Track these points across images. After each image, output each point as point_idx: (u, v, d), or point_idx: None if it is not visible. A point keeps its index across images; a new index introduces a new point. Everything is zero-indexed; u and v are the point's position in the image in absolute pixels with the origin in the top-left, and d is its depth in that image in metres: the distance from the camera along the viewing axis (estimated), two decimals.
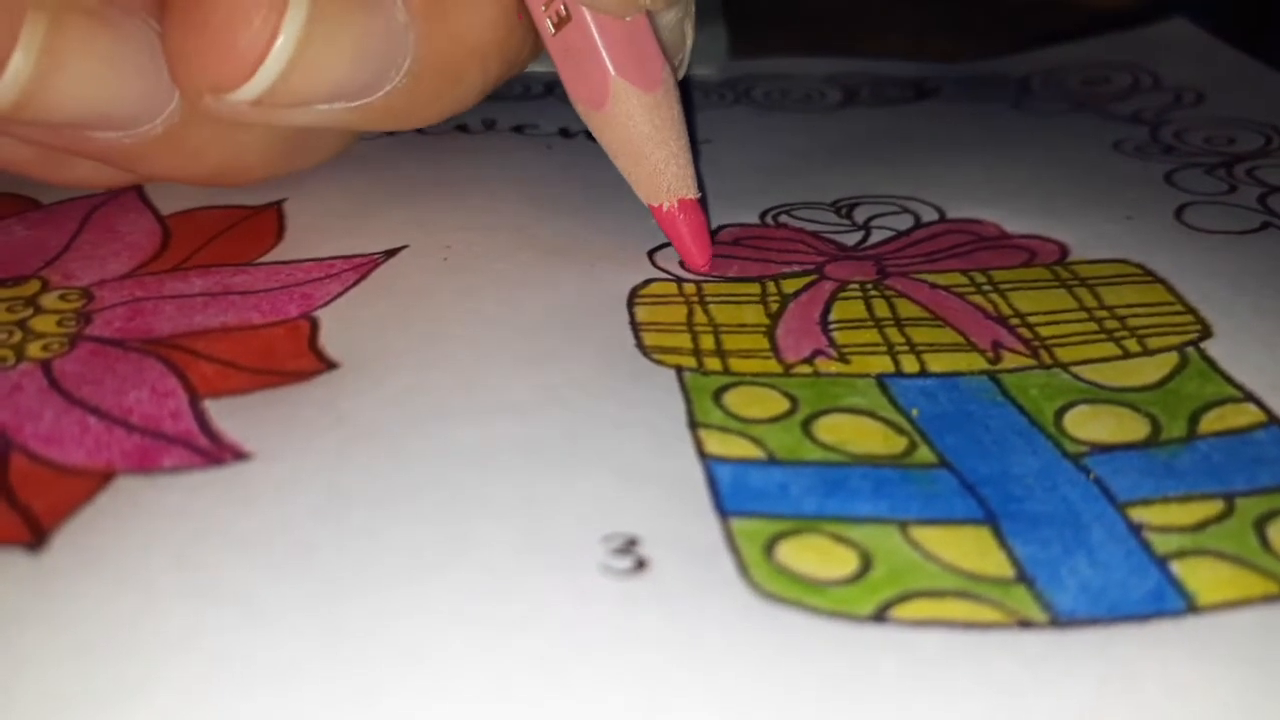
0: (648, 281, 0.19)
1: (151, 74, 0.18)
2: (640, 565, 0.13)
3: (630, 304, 0.18)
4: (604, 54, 0.18)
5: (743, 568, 0.13)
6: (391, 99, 0.18)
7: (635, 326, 0.18)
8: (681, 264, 0.20)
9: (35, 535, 0.13)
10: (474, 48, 0.19)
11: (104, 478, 0.14)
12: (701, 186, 0.20)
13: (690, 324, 0.18)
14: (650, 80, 0.18)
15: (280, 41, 0.17)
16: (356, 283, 0.19)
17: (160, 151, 0.19)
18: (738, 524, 0.14)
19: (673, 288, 0.19)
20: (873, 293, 0.19)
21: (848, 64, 0.32)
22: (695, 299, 0.19)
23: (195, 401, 0.16)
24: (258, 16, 0.16)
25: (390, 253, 0.20)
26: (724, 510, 0.14)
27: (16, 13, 0.16)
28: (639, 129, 0.19)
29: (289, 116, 0.18)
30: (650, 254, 0.20)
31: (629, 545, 0.13)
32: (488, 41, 0.19)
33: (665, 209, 0.19)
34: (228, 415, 0.16)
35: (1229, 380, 0.16)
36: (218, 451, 0.15)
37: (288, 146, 0.21)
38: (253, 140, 0.20)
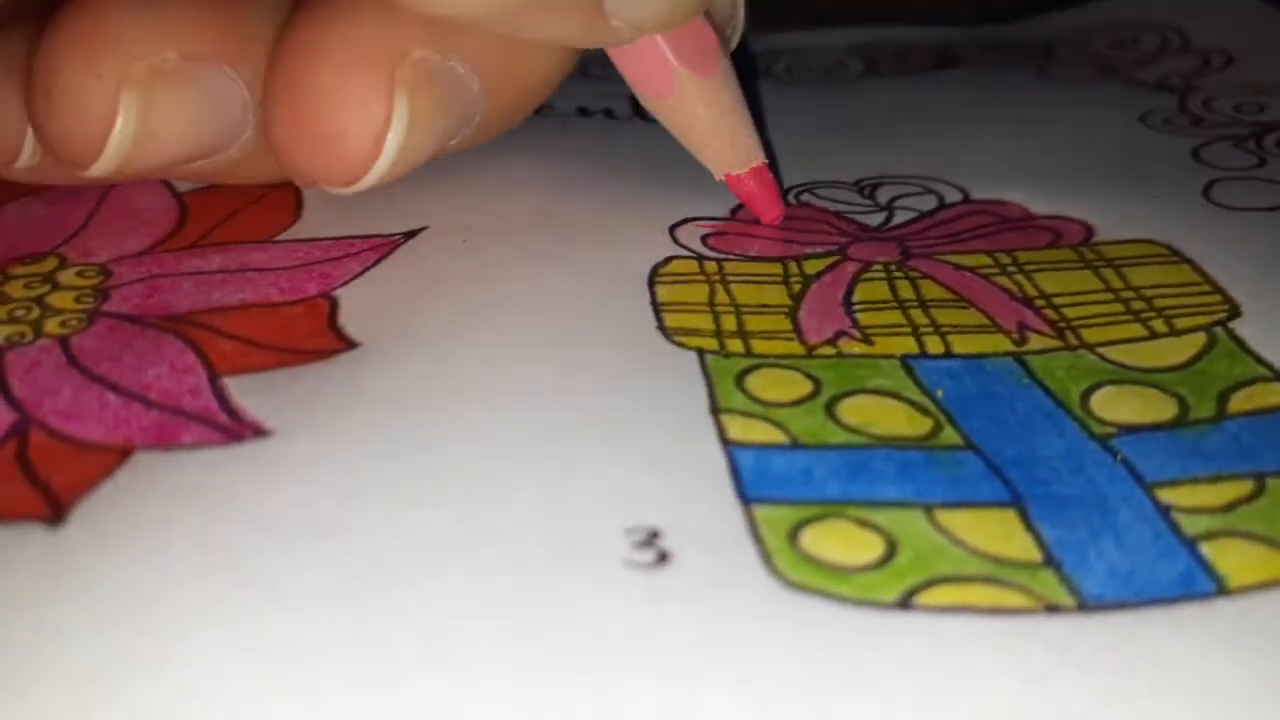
0: (668, 260, 0.19)
1: (229, 114, 0.18)
2: (663, 558, 0.13)
3: (651, 283, 0.18)
4: (663, 47, 0.19)
5: (766, 556, 0.13)
6: (460, 142, 0.20)
7: (656, 307, 0.18)
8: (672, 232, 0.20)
9: (54, 511, 0.13)
10: (534, 91, 0.20)
11: (123, 454, 0.14)
12: (769, 149, 0.20)
13: (712, 304, 0.18)
14: (709, 65, 0.19)
15: (386, 150, 0.17)
16: (376, 262, 0.19)
17: (235, 169, 0.20)
18: (760, 511, 0.14)
19: (694, 266, 0.19)
20: (896, 274, 0.19)
21: (869, 34, 0.31)
22: (717, 278, 0.18)
23: (214, 378, 0.16)
24: (364, 129, 0.17)
25: (410, 233, 0.19)
26: (746, 497, 0.14)
27: (113, 94, 0.17)
28: (704, 112, 0.20)
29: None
30: (671, 229, 0.20)
31: (651, 538, 0.13)
32: (547, 78, 0.20)
33: (736, 178, 0.20)
34: (247, 393, 0.15)
35: (1258, 360, 0.16)
36: (238, 428, 0.15)
37: None
38: None
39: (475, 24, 0.17)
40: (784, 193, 0.22)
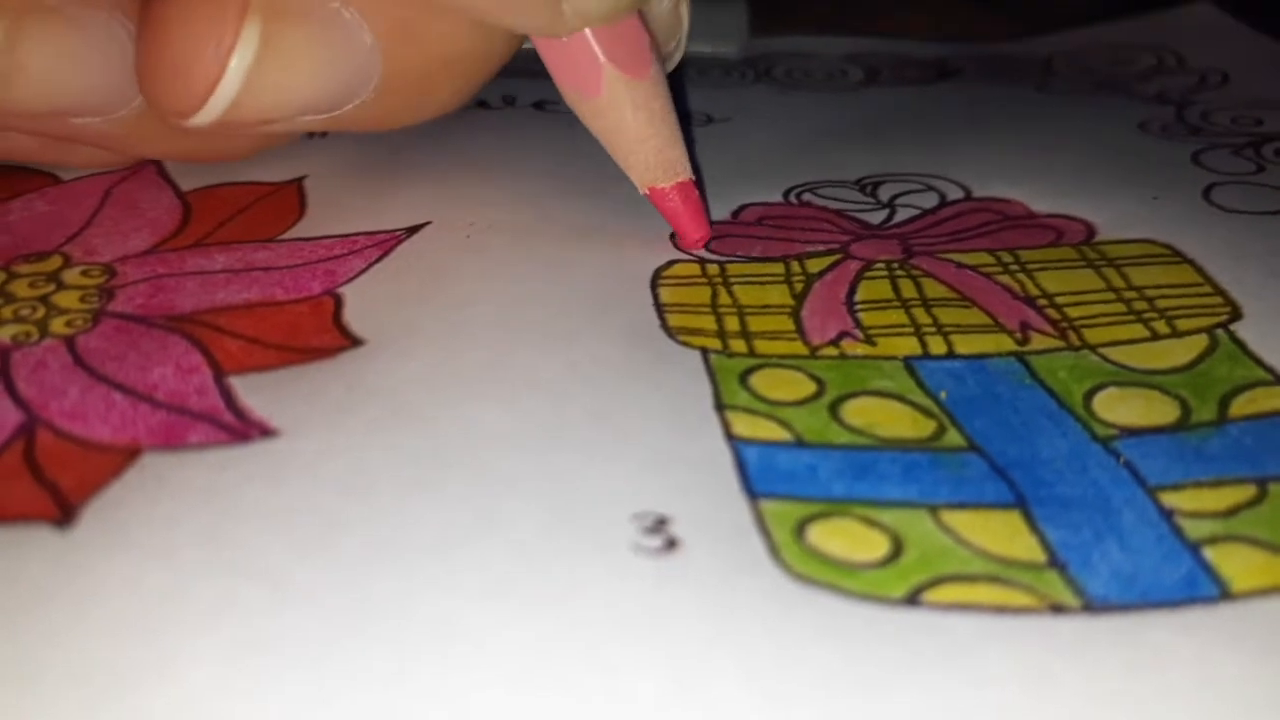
0: (670, 263, 0.19)
1: (118, 65, 0.18)
2: (671, 545, 0.13)
3: (654, 285, 0.18)
4: (594, 44, 0.18)
5: (774, 549, 0.13)
6: (361, 110, 0.19)
7: (660, 308, 0.18)
8: (673, 238, 0.20)
9: (63, 511, 0.13)
10: (446, 59, 0.19)
11: (130, 454, 0.14)
12: (696, 168, 0.20)
13: (714, 305, 0.18)
14: (640, 68, 0.18)
15: (229, 74, 0.17)
16: (380, 259, 0.19)
17: (142, 133, 0.19)
18: (767, 505, 0.14)
19: (696, 269, 0.19)
20: (899, 272, 0.19)
21: (869, 43, 0.31)
22: (719, 280, 0.18)
23: (220, 378, 0.16)
24: (209, 49, 0.17)
25: (413, 229, 0.19)
26: (753, 491, 0.14)
27: None
28: (631, 116, 0.19)
29: (255, 128, 0.18)
30: (672, 234, 0.20)
31: (659, 524, 0.13)
32: (461, 51, 0.19)
33: (660, 191, 0.19)
34: (253, 392, 0.15)
35: (1259, 363, 0.16)
36: (244, 428, 0.15)
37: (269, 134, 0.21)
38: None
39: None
40: (756, 205, 0.21)
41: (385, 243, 0.19)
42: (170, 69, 0.17)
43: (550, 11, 0.17)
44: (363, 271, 0.18)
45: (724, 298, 0.18)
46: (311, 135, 0.23)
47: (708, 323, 0.17)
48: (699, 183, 0.20)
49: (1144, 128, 0.25)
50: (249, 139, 0.21)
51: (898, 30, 0.33)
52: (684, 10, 0.20)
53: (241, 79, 0.17)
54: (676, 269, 0.19)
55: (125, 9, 0.18)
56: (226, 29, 0.17)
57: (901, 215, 0.21)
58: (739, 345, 0.17)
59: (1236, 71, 0.28)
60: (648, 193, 0.19)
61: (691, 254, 0.19)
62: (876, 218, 0.21)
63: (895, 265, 0.19)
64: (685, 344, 0.17)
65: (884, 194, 0.22)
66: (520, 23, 0.18)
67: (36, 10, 0.17)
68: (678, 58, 0.20)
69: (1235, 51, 0.30)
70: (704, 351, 0.17)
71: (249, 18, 0.17)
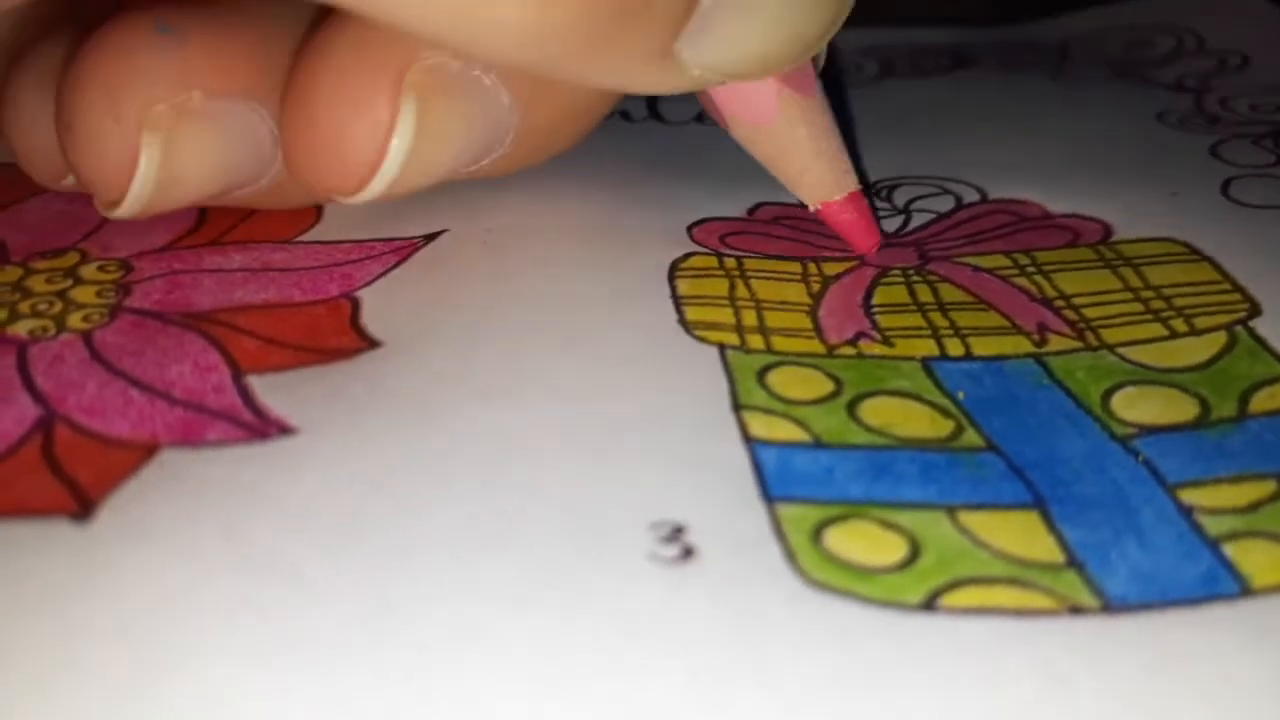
0: (688, 255, 0.19)
1: (255, 149, 0.18)
2: (687, 553, 0.13)
3: (671, 277, 0.18)
4: None
5: (790, 555, 0.13)
6: (496, 163, 0.19)
7: (677, 301, 0.18)
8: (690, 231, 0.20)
9: (82, 506, 0.13)
10: (573, 110, 0.19)
11: (148, 450, 0.14)
12: (863, 178, 0.20)
13: (732, 298, 0.18)
14: (807, 86, 0.18)
15: (391, 155, 0.17)
16: (397, 265, 0.19)
17: (266, 199, 0.19)
18: (784, 510, 0.14)
19: (713, 261, 0.19)
20: (915, 278, 0.19)
21: (883, 34, 0.31)
22: (736, 273, 0.18)
23: (238, 376, 0.16)
24: (365, 128, 0.17)
25: (430, 236, 0.19)
26: (770, 496, 0.14)
27: (133, 136, 0.17)
28: (805, 134, 0.19)
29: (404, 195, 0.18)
30: (689, 230, 0.20)
31: (675, 533, 0.13)
32: (588, 101, 0.19)
33: (834, 206, 0.19)
34: (271, 391, 0.15)
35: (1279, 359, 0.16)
36: (263, 426, 0.15)
37: None
38: None
39: (513, 67, 0.17)
40: (772, 205, 0.21)
41: (403, 249, 0.19)
42: (327, 153, 0.17)
43: (665, 73, 0.16)
44: (380, 276, 0.18)
45: (741, 290, 0.18)
46: None
47: (725, 316, 0.17)
48: (865, 190, 0.20)
49: (1162, 119, 0.25)
50: None
51: (913, 13, 0.32)
52: None
53: (403, 159, 0.17)
54: (694, 261, 0.19)
55: (253, 90, 0.18)
56: (383, 109, 0.16)
57: (917, 220, 0.21)
58: (756, 341, 0.17)
59: (1256, 52, 0.28)
60: (819, 208, 0.19)
61: (708, 247, 0.19)
62: (892, 224, 0.21)
63: (911, 271, 0.19)
64: (702, 340, 0.17)
65: (899, 199, 0.22)
66: (630, 86, 0.17)
67: (184, 117, 0.17)
68: (821, 63, 0.20)
69: (1255, 29, 0.29)
70: (721, 348, 0.17)
71: (405, 96, 0.16)
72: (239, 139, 0.18)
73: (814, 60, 0.19)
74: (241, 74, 0.17)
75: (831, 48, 0.19)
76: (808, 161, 0.19)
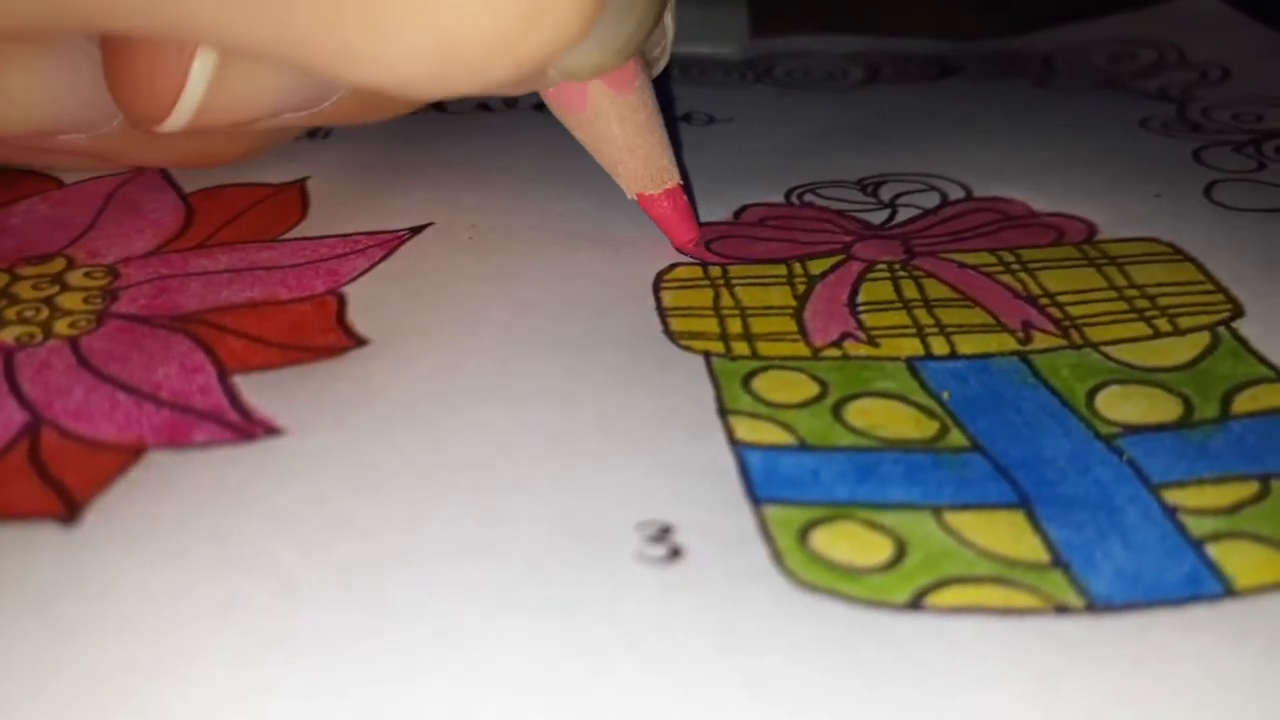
0: (673, 266, 0.19)
1: (96, 83, 0.18)
2: (675, 553, 0.13)
3: (656, 289, 0.18)
4: None
5: (777, 555, 0.13)
6: (340, 105, 0.18)
7: (662, 312, 0.18)
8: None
9: (69, 509, 0.13)
10: None
11: (135, 453, 0.14)
12: (685, 169, 0.20)
13: (717, 308, 0.18)
14: (624, 82, 0.18)
15: (192, 78, 0.17)
16: (382, 259, 0.19)
17: (127, 146, 0.19)
18: (770, 511, 0.14)
19: (698, 271, 0.19)
20: (901, 274, 0.19)
21: (869, 42, 0.31)
22: (721, 281, 0.19)
23: (224, 377, 0.16)
24: (170, 56, 0.16)
25: (415, 229, 0.19)
26: (756, 498, 0.14)
27: None
28: (617, 129, 0.19)
29: (233, 128, 0.18)
30: None
31: (663, 533, 0.13)
32: None
33: (649, 198, 0.19)
34: (258, 391, 0.15)
35: (1262, 360, 0.16)
36: (249, 427, 0.15)
37: (251, 136, 0.21)
38: (205, 134, 0.19)
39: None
40: (758, 206, 0.21)
41: (388, 243, 0.19)
42: (136, 79, 0.17)
43: (531, 80, 0.17)
44: (366, 271, 0.18)
45: (726, 299, 0.18)
46: (314, 134, 0.23)
47: (710, 325, 0.17)
48: (687, 185, 0.20)
49: (1145, 124, 0.25)
50: (242, 141, 0.21)
51: (899, 27, 0.33)
52: (669, 20, 0.20)
53: (205, 83, 0.17)
54: (679, 272, 0.19)
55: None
56: None
57: (903, 215, 0.21)
58: (741, 347, 0.17)
59: (1237, 66, 0.28)
60: (636, 198, 0.19)
61: (694, 257, 0.19)
62: (878, 218, 0.21)
63: (897, 266, 0.19)
64: (688, 348, 0.17)
65: (885, 194, 0.22)
66: (499, 93, 0.17)
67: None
68: (663, 63, 0.20)
69: (1236, 44, 0.30)
70: (707, 355, 0.17)
71: None
72: (73, 66, 0.18)
73: (643, 62, 0.19)
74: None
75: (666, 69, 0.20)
76: (621, 154, 0.19)
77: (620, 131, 0.19)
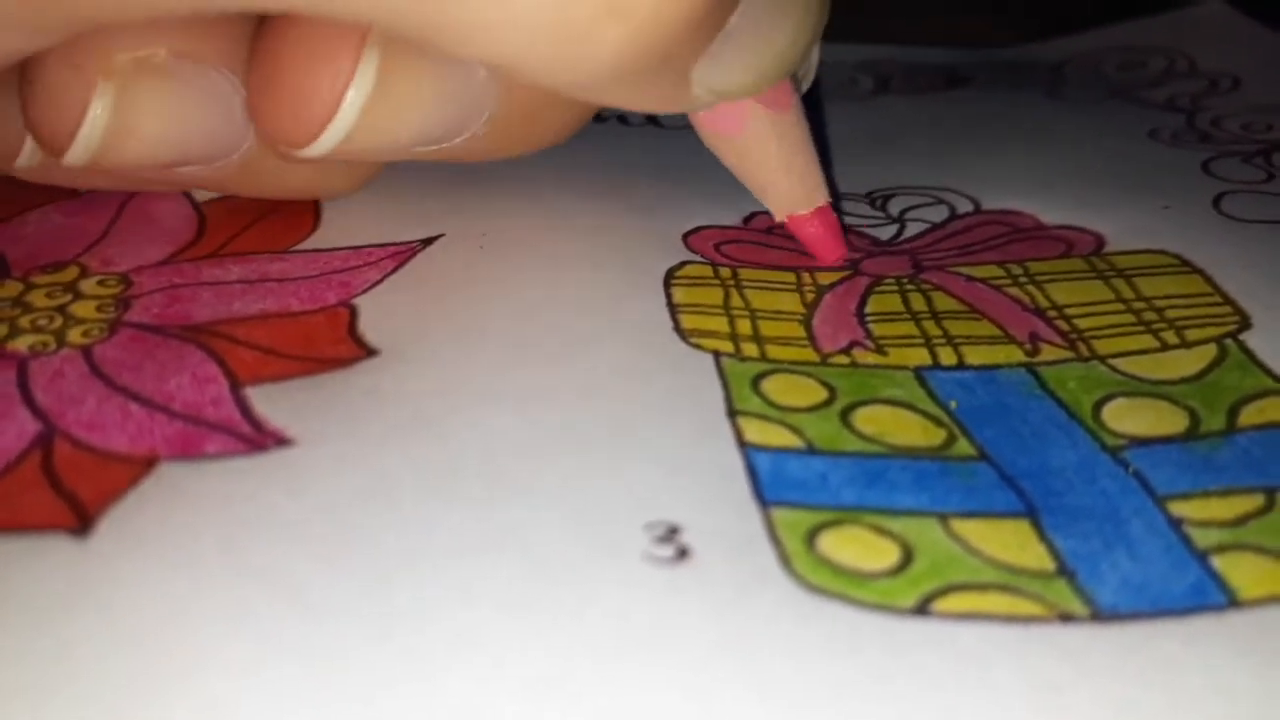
0: (683, 263, 0.19)
1: (224, 119, 0.18)
2: (682, 554, 0.13)
3: (667, 285, 0.18)
4: None
5: (784, 558, 0.13)
6: (472, 141, 0.18)
7: (673, 308, 0.18)
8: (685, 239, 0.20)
9: (81, 520, 0.14)
10: (557, 100, 0.18)
11: (147, 464, 0.14)
12: (833, 191, 0.20)
13: (727, 307, 0.18)
14: (781, 102, 0.19)
15: (345, 106, 0.17)
16: (394, 270, 0.19)
17: (240, 179, 0.19)
18: (778, 514, 0.14)
19: (708, 270, 0.19)
20: (909, 287, 0.19)
21: (879, 51, 0.31)
22: (731, 282, 0.19)
23: (236, 388, 0.16)
24: (325, 80, 0.17)
25: (427, 241, 0.20)
26: (764, 500, 0.14)
27: (90, 83, 0.17)
28: (774, 148, 0.19)
29: (366, 159, 0.18)
30: (685, 237, 0.20)
31: (670, 534, 0.13)
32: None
33: (800, 218, 0.19)
34: (269, 402, 0.16)
35: (1269, 373, 0.16)
36: (260, 438, 0.15)
37: (368, 168, 0.21)
38: (331, 166, 0.20)
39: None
40: (766, 214, 0.21)
41: (400, 254, 0.19)
42: (286, 100, 0.17)
43: (680, 97, 0.17)
44: (377, 283, 0.18)
45: (736, 300, 0.18)
46: None
47: (720, 324, 0.17)
48: (835, 203, 0.20)
49: (1154, 136, 0.25)
50: (357, 174, 0.21)
51: (909, 34, 0.33)
52: (814, 48, 0.20)
53: (358, 112, 0.17)
54: (689, 269, 0.19)
55: (228, 59, 0.18)
56: (344, 60, 0.16)
57: (911, 230, 0.21)
58: (751, 349, 0.17)
59: (1247, 74, 0.28)
60: (786, 221, 0.19)
61: (704, 256, 0.19)
62: (886, 233, 0.21)
63: (905, 280, 0.19)
64: (697, 346, 0.17)
65: (894, 208, 0.22)
66: (646, 109, 0.18)
67: (145, 71, 0.17)
68: (808, 82, 0.20)
69: (1246, 52, 0.30)
70: (716, 355, 0.17)
71: (367, 50, 0.16)
72: (203, 101, 0.18)
73: (795, 76, 0.19)
74: (212, 38, 0.17)
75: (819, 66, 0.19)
76: (776, 175, 0.19)
77: (776, 151, 0.19)
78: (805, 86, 0.20)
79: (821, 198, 0.19)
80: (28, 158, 0.19)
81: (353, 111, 0.17)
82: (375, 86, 0.17)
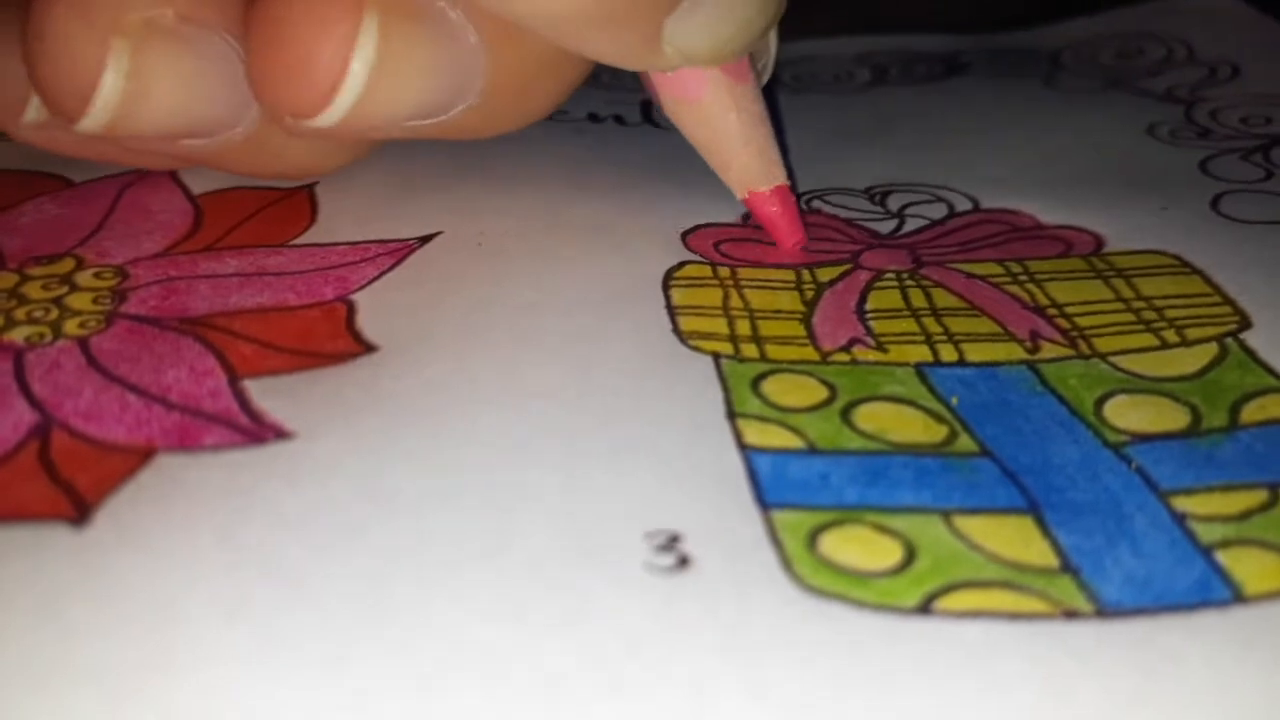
0: (682, 264, 0.19)
1: (230, 86, 0.18)
2: (683, 562, 0.13)
3: (665, 287, 0.18)
4: None
5: (785, 561, 0.13)
6: (467, 115, 0.18)
7: (671, 310, 0.18)
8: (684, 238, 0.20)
9: (79, 510, 0.13)
10: (547, 62, 0.19)
11: (145, 455, 0.14)
12: (790, 174, 0.20)
13: (726, 308, 0.18)
14: (741, 73, 0.19)
15: (353, 71, 0.17)
16: (392, 267, 0.19)
17: (242, 154, 0.19)
18: (779, 516, 0.14)
19: (707, 270, 0.19)
20: (909, 282, 0.19)
21: (876, 41, 0.31)
22: (730, 282, 0.19)
23: (234, 381, 0.16)
24: (329, 46, 0.16)
25: (425, 238, 0.20)
26: (765, 502, 0.14)
27: (103, 41, 0.17)
28: (734, 119, 0.19)
29: (364, 133, 0.18)
30: (684, 236, 0.20)
31: (671, 542, 0.13)
32: (561, 54, 0.19)
33: (759, 196, 0.20)
34: (267, 395, 0.16)
35: (1270, 371, 0.16)
36: (259, 430, 0.15)
37: (362, 145, 0.21)
38: (329, 142, 0.20)
39: (527, 27, 0.17)
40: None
41: (398, 251, 0.19)
42: (291, 69, 0.17)
43: (649, 51, 0.17)
44: (375, 279, 0.18)
45: (735, 300, 0.18)
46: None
47: (719, 326, 0.17)
48: (793, 187, 0.20)
49: (1152, 132, 0.25)
50: (353, 150, 0.21)
51: (904, 17, 0.33)
52: (772, 36, 0.20)
53: (366, 76, 0.17)
54: (688, 270, 0.19)
55: (230, 24, 0.18)
56: (346, 24, 0.16)
57: (910, 225, 0.21)
58: (750, 350, 0.17)
59: (1246, 62, 0.28)
60: (746, 197, 0.20)
61: (703, 256, 0.19)
62: (885, 227, 0.21)
63: (905, 275, 0.19)
64: (697, 348, 0.17)
65: (893, 204, 0.22)
66: (615, 60, 0.18)
67: (157, 33, 0.17)
68: (766, 77, 0.20)
69: (1245, 39, 0.30)
70: (715, 356, 0.17)
71: (366, 13, 0.16)
72: (210, 67, 0.18)
73: (754, 60, 0.19)
74: (214, 1, 0.17)
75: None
76: (735, 145, 0.19)
77: (737, 121, 0.19)
78: (764, 79, 0.20)
79: (780, 176, 0.20)
80: (35, 112, 0.19)
81: (361, 77, 0.17)
82: (378, 51, 0.17)
